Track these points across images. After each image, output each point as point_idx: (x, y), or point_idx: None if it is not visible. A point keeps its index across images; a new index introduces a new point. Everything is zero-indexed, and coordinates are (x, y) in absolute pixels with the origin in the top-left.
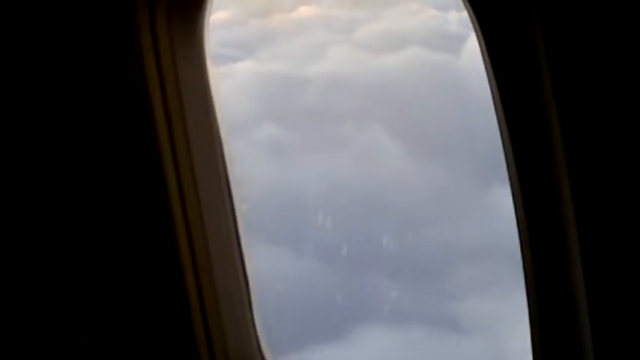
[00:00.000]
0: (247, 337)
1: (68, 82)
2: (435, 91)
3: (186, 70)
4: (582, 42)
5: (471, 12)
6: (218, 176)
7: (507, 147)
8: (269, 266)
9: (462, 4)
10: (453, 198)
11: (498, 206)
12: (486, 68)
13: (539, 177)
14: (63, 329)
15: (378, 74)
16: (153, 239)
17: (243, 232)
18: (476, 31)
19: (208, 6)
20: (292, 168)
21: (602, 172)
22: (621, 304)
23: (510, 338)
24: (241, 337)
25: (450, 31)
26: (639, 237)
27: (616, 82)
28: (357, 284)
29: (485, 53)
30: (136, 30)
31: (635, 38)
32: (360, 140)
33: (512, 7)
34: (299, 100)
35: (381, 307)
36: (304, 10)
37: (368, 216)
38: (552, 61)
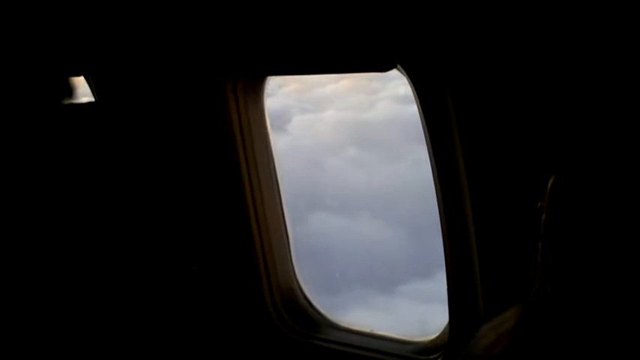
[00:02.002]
0: (290, 275)
1: (180, 133)
2: None
3: (255, 121)
4: (481, 104)
5: (409, 80)
6: (272, 183)
7: (434, 167)
8: None
9: None
10: None
11: None
12: (420, 116)
13: (452, 187)
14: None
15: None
16: (233, 219)
17: (287, 213)
18: (413, 92)
19: (267, 84)
20: None
21: (494, 181)
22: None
23: None
24: (286, 274)
25: None
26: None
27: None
28: None
29: (419, 106)
30: (225, 97)
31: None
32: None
33: (434, 81)
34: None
35: None
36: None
37: None
38: (459, 115)
